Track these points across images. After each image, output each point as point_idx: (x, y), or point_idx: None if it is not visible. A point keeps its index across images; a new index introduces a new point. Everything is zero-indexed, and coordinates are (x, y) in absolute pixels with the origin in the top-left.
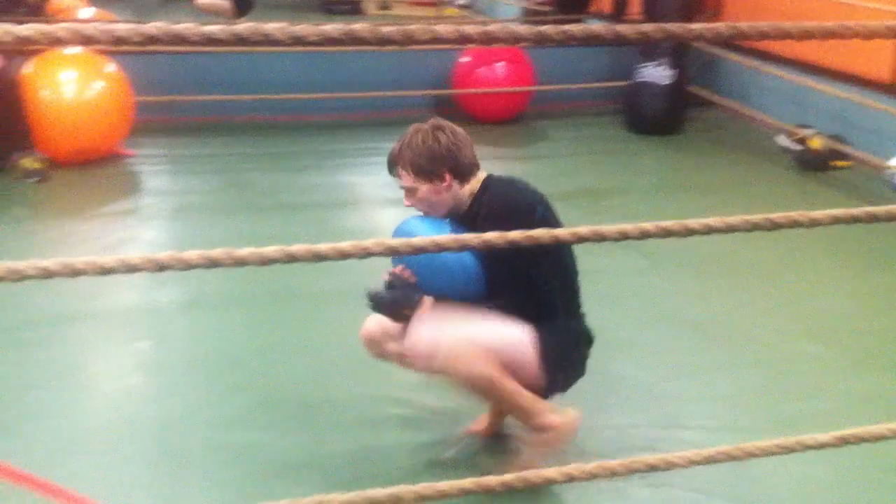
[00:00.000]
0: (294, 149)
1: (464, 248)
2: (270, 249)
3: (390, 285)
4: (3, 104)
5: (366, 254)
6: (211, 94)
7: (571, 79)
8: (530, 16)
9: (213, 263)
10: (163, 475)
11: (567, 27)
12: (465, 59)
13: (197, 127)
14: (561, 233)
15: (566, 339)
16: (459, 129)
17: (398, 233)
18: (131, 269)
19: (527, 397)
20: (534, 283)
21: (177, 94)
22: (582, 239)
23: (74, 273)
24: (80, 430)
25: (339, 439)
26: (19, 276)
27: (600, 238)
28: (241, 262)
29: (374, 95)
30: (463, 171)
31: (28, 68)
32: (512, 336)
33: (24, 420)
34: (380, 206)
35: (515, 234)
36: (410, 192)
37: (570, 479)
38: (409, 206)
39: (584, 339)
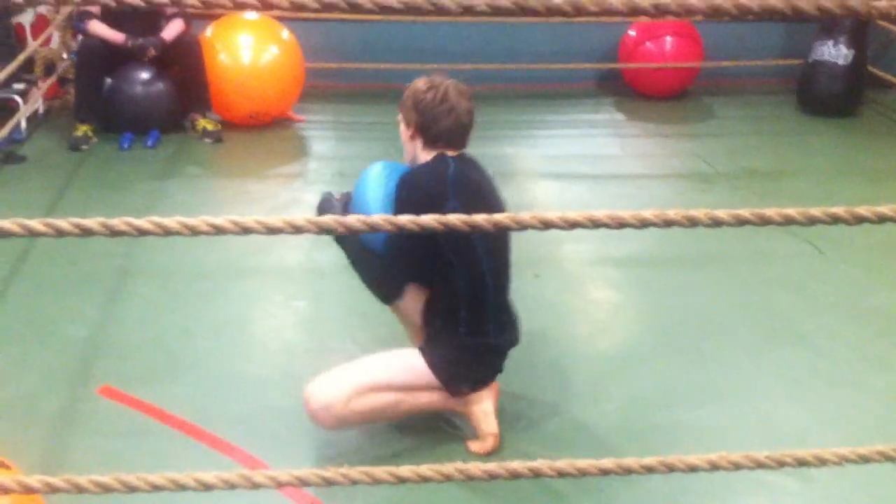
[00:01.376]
0: None
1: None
2: (427, 218)
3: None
4: (185, 66)
5: (519, 227)
6: (379, 61)
7: (742, 55)
8: None
9: (372, 228)
10: (312, 429)
11: (744, 1)
12: (632, 33)
13: (363, 94)
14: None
15: (459, 355)
16: (462, 104)
17: (364, 171)
18: (296, 230)
19: (436, 402)
20: (438, 289)
21: (345, 62)
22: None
23: (245, 231)
24: (238, 382)
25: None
26: (193, 232)
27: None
28: (399, 228)
29: (538, 67)
30: (427, 134)
31: (208, 32)
32: (398, 364)
33: (187, 368)
34: (536, 179)
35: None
36: (398, 123)
37: (714, 467)
38: None
39: (487, 353)
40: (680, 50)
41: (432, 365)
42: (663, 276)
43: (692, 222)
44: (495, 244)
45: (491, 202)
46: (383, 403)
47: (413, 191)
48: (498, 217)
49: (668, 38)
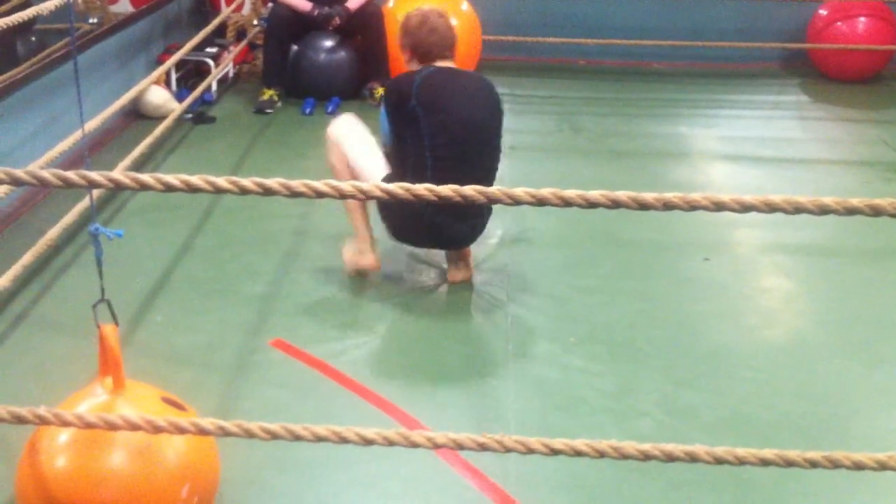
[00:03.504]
0: (632, 96)
1: None
2: (595, 193)
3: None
4: (367, 36)
5: (690, 207)
6: (556, 36)
7: None
8: None
9: (539, 202)
10: (474, 396)
11: None
12: (822, 12)
13: (539, 68)
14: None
15: (401, 206)
16: (441, 24)
17: None
18: (465, 199)
19: (357, 219)
20: (398, 146)
21: (522, 36)
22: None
23: (415, 197)
24: (402, 342)
25: (645, 388)
26: (366, 196)
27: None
28: (566, 202)
29: (720, 45)
30: (417, 52)
31: (390, 3)
32: (371, 168)
33: (354, 326)
34: (710, 160)
35: None
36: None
37: (882, 466)
38: None
39: (415, 217)
40: (873, 32)
41: (380, 208)
42: (841, 267)
43: (876, 212)
44: (443, 135)
45: (452, 105)
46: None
47: (389, 93)
48: (668, 196)
49: (861, 20)
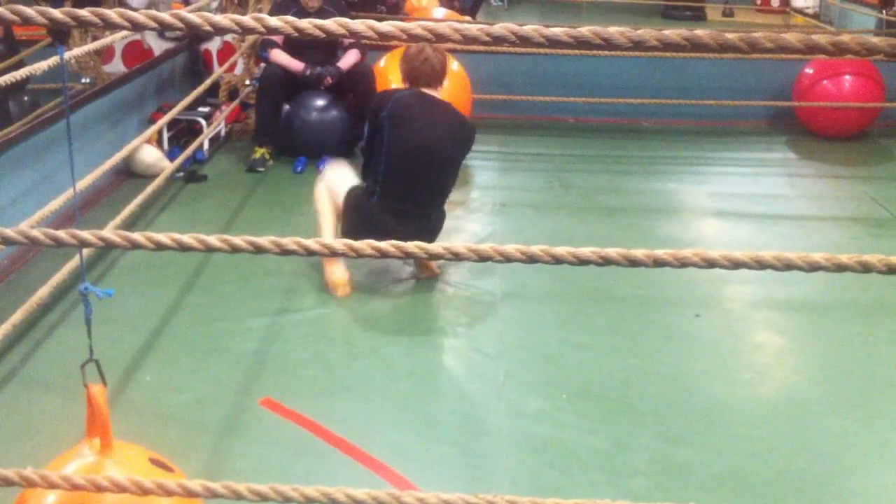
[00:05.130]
0: (621, 153)
1: None
2: (586, 250)
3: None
4: (359, 94)
5: (680, 264)
6: (546, 95)
7: None
8: (886, 27)
9: (530, 259)
10: (465, 455)
11: None
12: (808, 71)
13: (529, 126)
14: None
15: (356, 203)
16: (435, 57)
17: None
18: (456, 256)
19: (325, 232)
20: (367, 147)
21: (512, 94)
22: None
23: (407, 255)
24: (393, 401)
25: (639, 446)
26: (358, 254)
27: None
28: (557, 260)
29: (708, 103)
30: (410, 78)
31: (381, 62)
32: (342, 189)
33: (344, 385)
34: (700, 216)
35: None
36: None
37: None
38: None
39: (369, 211)
40: (859, 90)
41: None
42: (832, 323)
43: (865, 268)
44: (399, 151)
45: (415, 126)
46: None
47: (373, 102)
48: (659, 253)
49: (847, 77)
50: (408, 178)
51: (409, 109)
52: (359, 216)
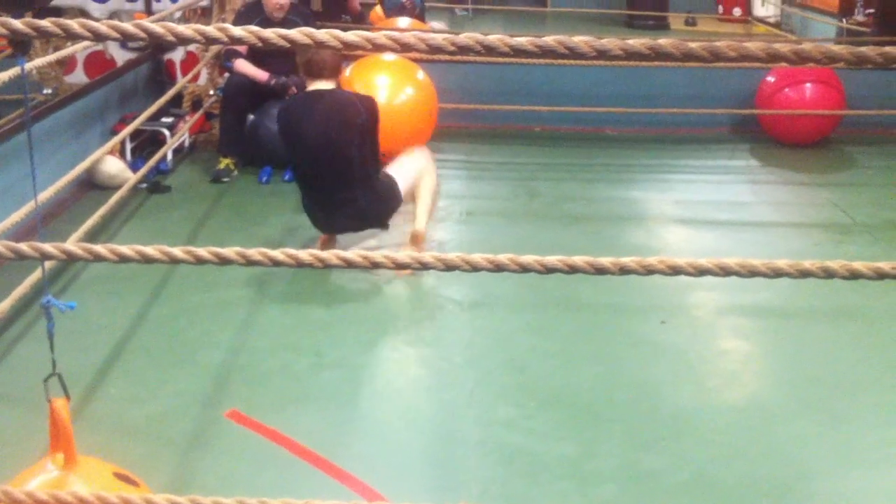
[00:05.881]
0: (586, 161)
1: None
2: (553, 259)
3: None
4: None
5: (646, 272)
6: (512, 104)
7: (887, 103)
8: (847, 35)
9: (497, 268)
10: (435, 465)
11: (890, 49)
12: (770, 79)
13: (494, 134)
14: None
15: (302, 204)
16: (322, 52)
17: None
18: (424, 265)
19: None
20: None
21: (478, 103)
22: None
23: (374, 265)
24: (361, 412)
25: (607, 453)
26: (324, 264)
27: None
28: (524, 269)
29: (672, 112)
30: (305, 70)
31: (347, 72)
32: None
33: (313, 398)
34: (665, 224)
35: None
36: None
37: None
38: None
39: (307, 209)
40: (820, 97)
41: None
42: (796, 329)
43: (828, 274)
44: (296, 152)
45: (300, 130)
46: None
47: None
48: (625, 261)
49: (808, 85)
50: (311, 171)
51: (295, 118)
52: (307, 214)
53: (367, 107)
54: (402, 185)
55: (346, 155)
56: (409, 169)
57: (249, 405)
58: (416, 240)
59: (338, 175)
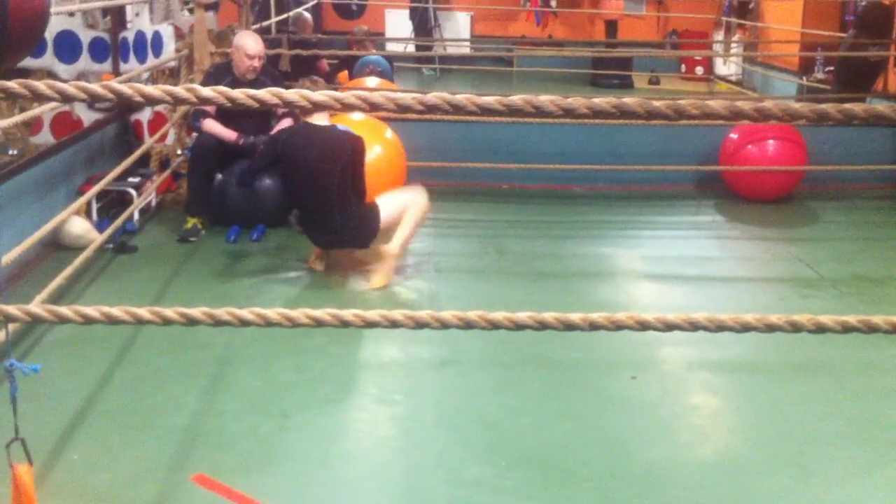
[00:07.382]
0: (555, 218)
1: None
2: (522, 315)
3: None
4: None
5: (615, 327)
6: (480, 161)
7: (848, 159)
8: (807, 93)
9: (467, 325)
10: None
11: (849, 106)
12: (733, 136)
13: (463, 192)
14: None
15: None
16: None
17: None
18: (393, 323)
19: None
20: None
21: (446, 161)
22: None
23: (343, 324)
24: (330, 474)
25: None
26: (293, 324)
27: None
28: (494, 326)
29: (638, 169)
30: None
31: None
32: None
33: (280, 460)
34: (634, 280)
35: None
36: None
37: None
38: None
39: (301, 225)
40: (782, 153)
41: None
42: (765, 383)
43: (795, 328)
44: (296, 189)
45: (299, 152)
46: None
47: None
48: (594, 317)
49: (771, 142)
50: (298, 194)
51: (295, 149)
52: (307, 232)
53: (354, 145)
54: (384, 214)
55: (324, 184)
56: (396, 202)
57: (216, 469)
58: (383, 257)
59: (317, 200)
